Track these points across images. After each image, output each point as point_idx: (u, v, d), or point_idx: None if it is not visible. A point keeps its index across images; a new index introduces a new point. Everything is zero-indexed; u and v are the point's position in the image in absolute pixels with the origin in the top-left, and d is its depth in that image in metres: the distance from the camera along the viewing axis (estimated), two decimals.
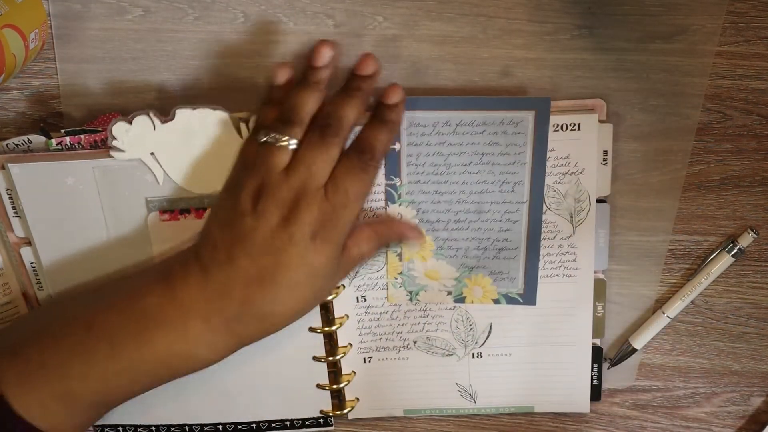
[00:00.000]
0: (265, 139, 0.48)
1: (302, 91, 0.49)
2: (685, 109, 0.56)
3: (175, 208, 0.54)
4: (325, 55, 0.49)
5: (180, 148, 0.52)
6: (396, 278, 0.58)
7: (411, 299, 0.58)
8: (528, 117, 0.53)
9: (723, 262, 0.59)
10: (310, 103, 0.48)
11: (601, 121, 0.55)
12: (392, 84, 0.51)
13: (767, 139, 0.57)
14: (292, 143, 0.47)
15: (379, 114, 0.50)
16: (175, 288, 0.47)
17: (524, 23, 0.54)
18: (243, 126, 0.52)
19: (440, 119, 0.53)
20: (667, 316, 0.60)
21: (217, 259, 0.47)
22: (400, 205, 0.55)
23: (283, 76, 0.50)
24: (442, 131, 0.53)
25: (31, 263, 0.55)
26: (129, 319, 0.47)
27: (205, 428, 0.61)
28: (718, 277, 0.59)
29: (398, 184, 0.55)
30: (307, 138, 0.48)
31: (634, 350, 0.61)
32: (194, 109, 0.51)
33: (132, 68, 0.54)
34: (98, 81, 0.55)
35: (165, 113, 0.52)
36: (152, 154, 0.52)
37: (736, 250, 0.58)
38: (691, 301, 0.60)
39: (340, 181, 0.48)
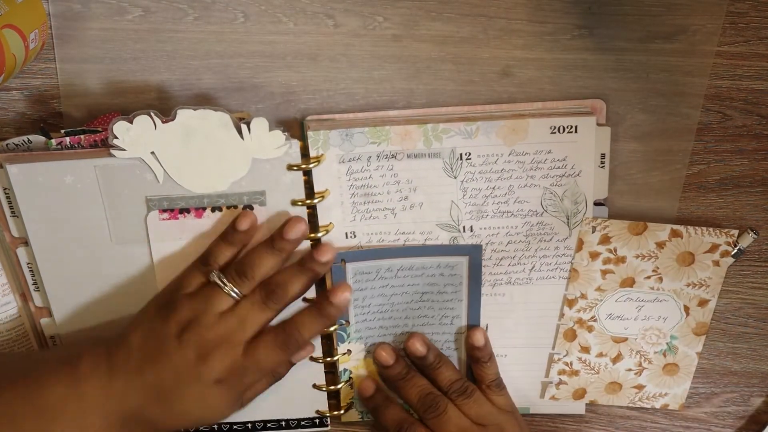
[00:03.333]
0: (216, 280, 0.51)
1: (265, 253, 0.52)
2: (685, 109, 0.56)
3: (174, 207, 0.54)
4: (298, 231, 0.53)
5: (180, 148, 0.52)
6: (350, 401, 0.61)
7: (362, 418, 0.62)
8: (462, 261, 0.57)
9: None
10: (267, 267, 0.52)
11: (599, 125, 0.55)
12: (342, 285, 0.53)
13: (767, 139, 0.57)
14: (236, 294, 0.51)
15: (320, 307, 0.53)
16: (79, 381, 0.49)
17: (524, 23, 0.54)
18: (243, 126, 0.52)
19: (382, 266, 0.57)
20: None
21: (126, 366, 0.50)
22: (349, 342, 0.59)
23: (245, 225, 0.53)
24: (385, 276, 0.57)
25: (28, 263, 0.55)
26: (33, 409, 0.48)
27: (201, 428, 0.61)
28: None
29: (347, 326, 0.58)
30: (252, 295, 0.51)
31: None
32: (195, 109, 0.51)
33: (132, 68, 0.54)
34: (98, 81, 0.55)
35: (165, 113, 0.52)
36: (153, 153, 0.52)
37: (736, 250, 0.58)
38: None
39: (260, 349, 0.51)
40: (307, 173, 0.55)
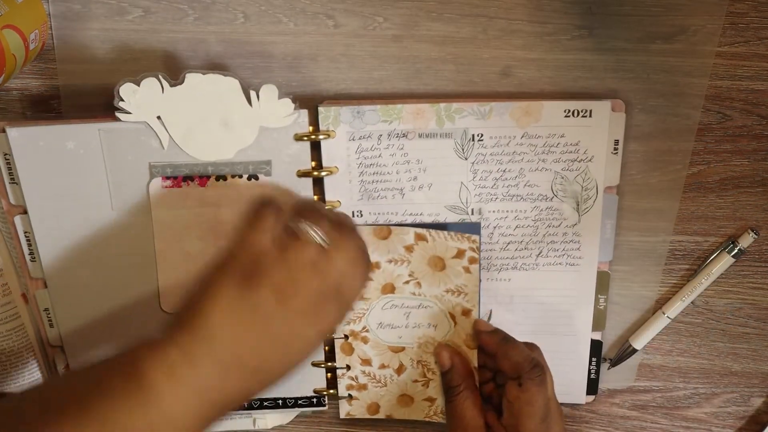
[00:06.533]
0: (306, 229, 0.46)
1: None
2: (685, 110, 0.56)
3: (178, 174, 0.53)
4: None
5: (187, 113, 0.51)
6: None
7: None
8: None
9: (723, 262, 0.59)
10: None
11: (614, 111, 0.54)
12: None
13: (767, 140, 0.57)
14: (325, 242, 0.46)
15: None
16: (173, 371, 0.42)
17: (525, 24, 0.54)
18: (252, 93, 0.51)
19: None
20: (668, 316, 0.60)
21: (217, 355, 0.43)
22: None
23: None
24: None
25: (25, 232, 0.54)
26: (129, 387, 0.42)
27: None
28: (718, 278, 0.59)
29: None
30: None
31: (634, 350, 0.61)
32: (204, 73, 0.51)
33: (132, 68, 0.54)
34: (98, 81, 0.55)
35: (174, 77, 0.51)
36: (159, 117, 0.51)
37: (736, 251, 0.58)
38: (691, 302, 0.60)
39: (358, 285, 0.48)
40: (316, 152, 0.54)
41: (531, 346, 0.56)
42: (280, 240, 0.45)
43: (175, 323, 0.44)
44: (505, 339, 0.56)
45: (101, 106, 0.55)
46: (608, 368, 0.63)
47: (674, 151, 0.57)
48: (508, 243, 0.57)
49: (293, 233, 0.46)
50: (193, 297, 0.45)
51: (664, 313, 0.60)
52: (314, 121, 0.54)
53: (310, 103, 0.55)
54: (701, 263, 0.59)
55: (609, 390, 0.64)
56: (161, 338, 0.43)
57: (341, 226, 0.47)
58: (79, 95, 0.55)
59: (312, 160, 0.54)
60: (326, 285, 0.45)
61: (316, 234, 0.45)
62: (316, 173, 0.54)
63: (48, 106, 0.55)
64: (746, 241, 0.58)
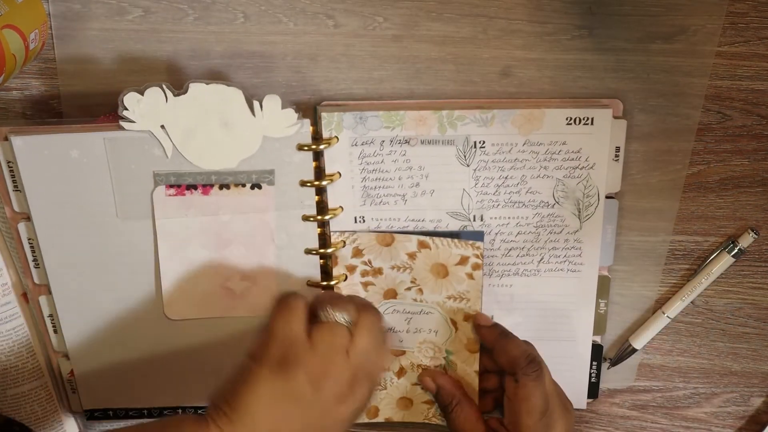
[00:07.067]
0: (334, 318, 0.50)
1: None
2: (685, 110, 0.56)
3: (182, 183, 0.53)
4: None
5: (191, 123, 0.51)
6: None
7: None
8: None
9: (723, 262, 0.59)
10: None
11: (615, 117, 0.54)
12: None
13: (767, 140, 0.57)
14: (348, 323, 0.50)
15: None
16: None
17: (524, 24, 0.54)
18: (255, 103, 0.51)
19: None
20: (668, 316, 0.60)
21: None
22: None
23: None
24: None
25: (29, 239, 0.55)
26: None
27: (199, 411, 0.60)
28: (718, 278, 0.59)
29: None
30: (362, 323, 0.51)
31: (634, 350, 0.61)
32: (208, 83, 0.51)
33: (132, 68, 0.54)
34: (98, 81, 0.55)
35: (178, 87, 0.51)
36: (162, 126, 0.51)
37: (736, 251, 0.58)
38: (691, 302, 0.60)
39: (383, 361, 0.53)
40: (318, 157, 0.54)
41: (525, 343, 0.56)
42: (310, 328, 0.49)
43: (215, 408, 0.47)
44: (503, 334, 0.56)
45: (102, 106, 0.55)
46: (608, 368, 0.63)
47: (674, 151, 0.57)
48: (510, 249, 0.57)
49: (320, 321, 0.50)
50: (231, 386, 0.47)
51: (664, 313, 0.60)
52: (314, 120, 0.54)
53: (309, 102, 0.55)
54: (701, 263, 0.60)
55: (609, 390, 0.64)
56: (205, 419, 0.46)
57: (361, 307, 0.51)
58: (79, 95, 0.55)
59: (315, 167, 0.54)
60: (356, 366, 0.49)
61: (342, 318, 0.50)
62: (318, 183, 0.54)
63: (48, 106, 0.55)
64: (746, 241, 0.58)
